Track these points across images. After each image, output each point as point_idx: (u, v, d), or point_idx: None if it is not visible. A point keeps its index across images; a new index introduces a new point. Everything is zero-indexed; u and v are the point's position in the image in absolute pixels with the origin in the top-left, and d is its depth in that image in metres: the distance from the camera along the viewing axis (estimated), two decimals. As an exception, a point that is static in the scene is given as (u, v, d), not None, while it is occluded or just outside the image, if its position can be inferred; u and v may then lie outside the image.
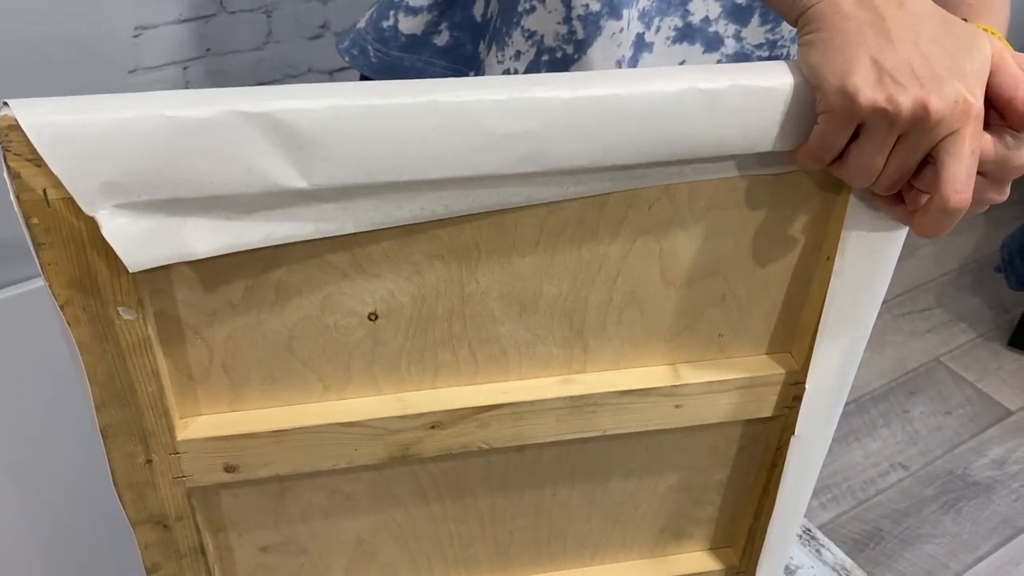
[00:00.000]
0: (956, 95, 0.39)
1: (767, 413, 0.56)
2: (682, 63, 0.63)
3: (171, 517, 0.51)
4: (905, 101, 0.39)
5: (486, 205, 0.44)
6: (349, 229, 0.43)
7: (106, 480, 0.48)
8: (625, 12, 0.58)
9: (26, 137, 0.36)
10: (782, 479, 0.58)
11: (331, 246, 0.44)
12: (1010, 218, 2.20)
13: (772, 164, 0.46)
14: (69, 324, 0.42)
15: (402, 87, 0.40)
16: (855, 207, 0.47)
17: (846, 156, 0.42)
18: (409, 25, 0.63)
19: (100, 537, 1.08)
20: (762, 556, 0.64)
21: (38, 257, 0.40)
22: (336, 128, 0.39)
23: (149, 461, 0.48)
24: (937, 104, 0.39)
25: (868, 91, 0.39)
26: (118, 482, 0.49)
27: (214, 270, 0.44)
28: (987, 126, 0.42)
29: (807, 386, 0.54)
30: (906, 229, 0.48)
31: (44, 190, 0.38)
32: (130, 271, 0.40)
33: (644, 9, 0.59)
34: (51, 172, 0.37)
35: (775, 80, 0.42)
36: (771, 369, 0.54)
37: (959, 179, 0.40)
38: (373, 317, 0.48)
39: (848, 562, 0.87)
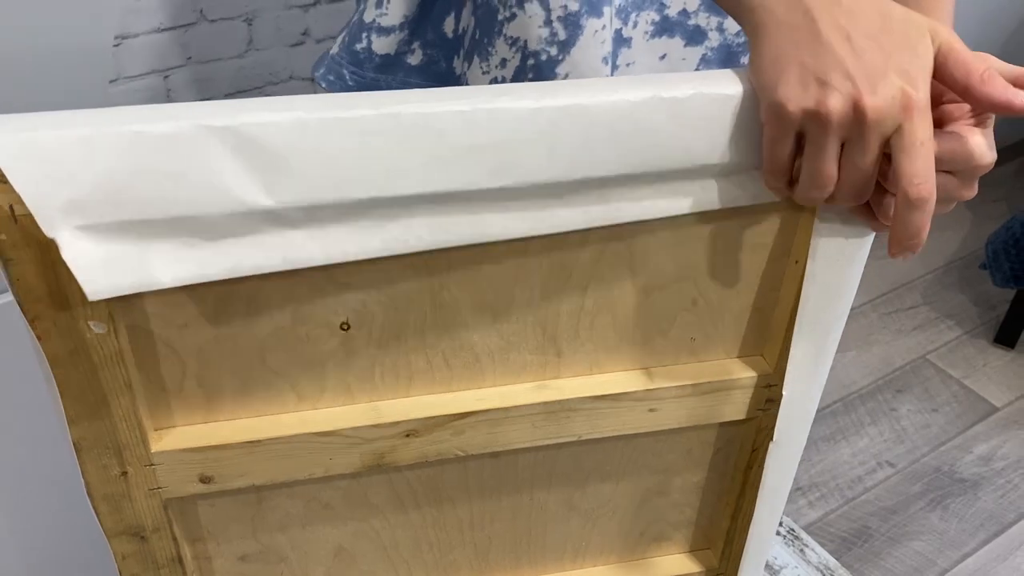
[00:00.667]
0: (894, 90, 0.38)
1: (740, 416, 0.57)
2: (663, 57, 0.63)
3: (148, 528, 0.51)
4: (835, 103, 0.38)
5: (462, 237, 0.43)
6: (319, 260, 0.42)
7: (81, 492, 0.49)
8: (605, 9, 0.58)
9: (-10, 155, 0.36)
10: (762, 484, 0.59)
11: (300, 257, 0.45)
12: (995, 215, 2.22)
13: (738, 173, 0.46)
14: (39, 339, 0.42)
15: (366, 99, 0.40)
16: (824, 212, 0.48)
17: (797, 171, 0.42)
18: (382, 45, 0.64)
19: (76, 549, 1.07)
20: (744, 558, 0.64)
21: (6, 273, 0.40)
22: (301, 142, 0.39)
23: (124, 473, 0.48)
24: (872, 102, 0.38)
25: (796, 97, 0.39)
26: (93, 495, 0.49)
27: (184, 283, 0.44)
28: (946, 122, 0.42)
29: (784, 392, 0.54)
30: (869, 235, 0.49)
31: (10, 206, 0.38)
32: (89, 299, 0.39)
33: (620, 6, 0.59)
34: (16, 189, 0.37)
35: (739, 87, 0.43)
36: (743, 372, 0.55)
37: (915, 171, 0.39)
38: (345, 327, 0.48)
39: (832, 561, 0.87)
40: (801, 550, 0.89)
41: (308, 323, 0.47)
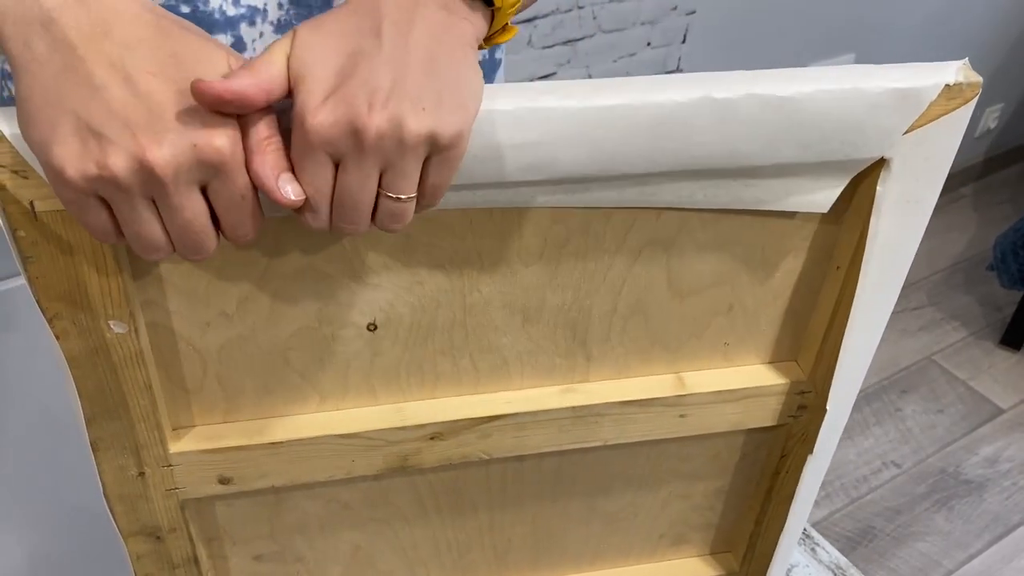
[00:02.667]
0: (196, 139, 0.32)
1: (771, 422, 0.55)
2: None
3: (164, 529, 0.50)
4: (117, 161, 0.31)
5: (489, 202, 0.42)
6: None
7: (96, 490, 0.47)
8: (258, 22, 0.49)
9: (11, 147, 0.35)
10: (796, 493, 0.57)
11: (327, 257, 0.43)
12: (1001, 216, 2.21)
13: (784, 175, 0.45)
14: (58, 338, 0.40)
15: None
16: (879, 224, 0.46)
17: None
18: None
19: (90, 547, 1.06)
20: (773, 562, 0.63)
21: (25, 271, 0.38)
22: None
23: (141, 474, 0.47)
24: (161, 156, 0.32)
25: (74, 159, 0.31)
26: (109, 495, 0.47)
27: (207, 281, 0.43)
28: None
29: (828, 406, 0.53)
30: (916, 243, 0.47)
31: (31, 202, 0.36)
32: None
33: (280, 21, 0.50)
34: (38, 184, 0.36)
35: (791, 89, 0.41)
36: (777, 378, 0.53)
37: (232, 223, 0.35)
38: (372, 327, 0.46)
39: (843, 560, 0.86)
40: (812, 549, 0.88)
41: (333, 323, 0.46)
